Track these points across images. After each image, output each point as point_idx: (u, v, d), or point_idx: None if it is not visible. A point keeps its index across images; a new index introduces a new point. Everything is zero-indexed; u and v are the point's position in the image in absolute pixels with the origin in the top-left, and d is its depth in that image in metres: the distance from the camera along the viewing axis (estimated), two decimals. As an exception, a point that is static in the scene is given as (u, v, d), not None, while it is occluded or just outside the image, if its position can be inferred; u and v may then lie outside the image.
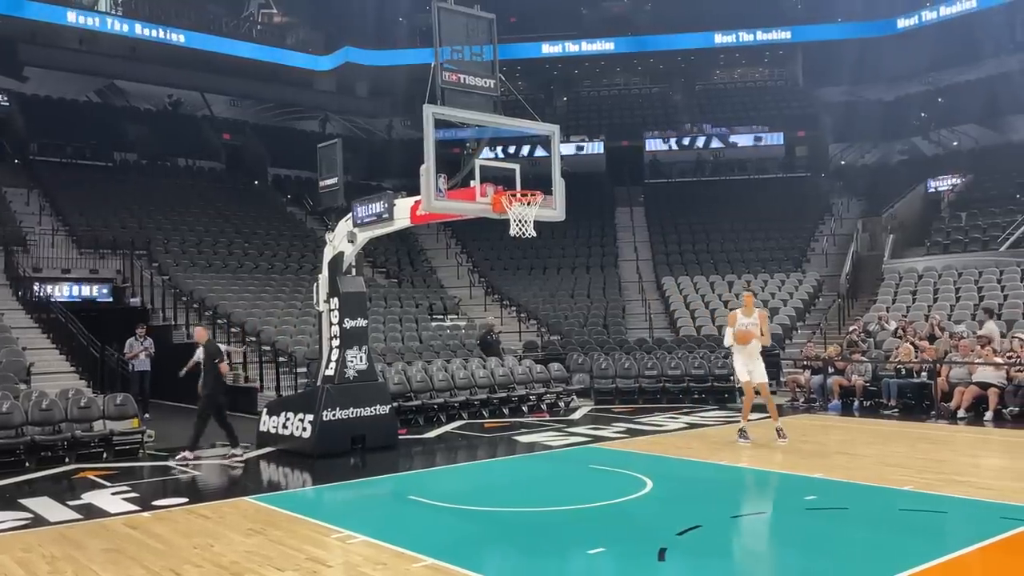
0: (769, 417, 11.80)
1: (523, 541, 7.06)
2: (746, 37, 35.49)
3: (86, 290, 20.88)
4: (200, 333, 12.53)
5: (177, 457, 11.30)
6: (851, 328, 18.32)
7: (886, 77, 34.52)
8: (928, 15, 32.09)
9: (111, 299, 21.07)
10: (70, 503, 8.73)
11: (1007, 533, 6.68)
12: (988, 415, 13.41)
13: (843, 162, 35.21)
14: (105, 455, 11.51)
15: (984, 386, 13.69)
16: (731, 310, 13.94)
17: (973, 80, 32.14)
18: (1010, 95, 29.29)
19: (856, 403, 15.23)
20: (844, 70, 33.99)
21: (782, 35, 35.49)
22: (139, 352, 16.42)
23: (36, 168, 26.69)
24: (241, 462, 11.23)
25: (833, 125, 34.67)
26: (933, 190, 28.85)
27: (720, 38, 35.53)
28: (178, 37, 31.34)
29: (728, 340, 12.00)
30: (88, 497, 9.03)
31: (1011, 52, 31.32)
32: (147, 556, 6.67)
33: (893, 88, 34.83)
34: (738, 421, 12.12)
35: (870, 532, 6.95)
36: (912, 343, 15.68)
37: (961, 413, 13.66)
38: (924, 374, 14.84)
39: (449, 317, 22.47)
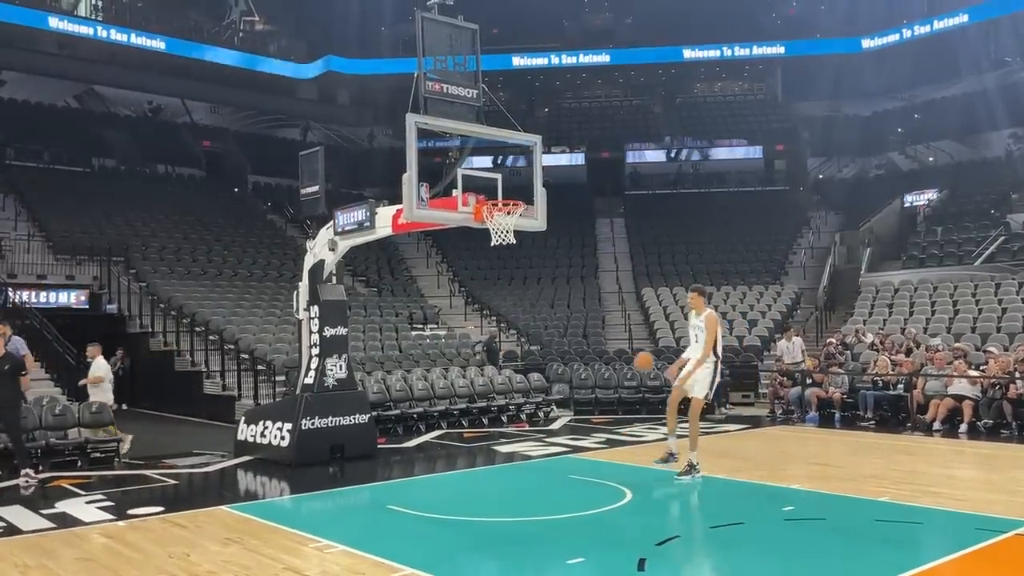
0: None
1: (502, 551, 7.05)
2: (726, 52, 35.77)
3: (62, 297, 20.63)
4: None
5: (21, 476, 10.21)
6: (828, 340, 18.48)
7: (864, 93, 34.96)
8: (905, 33, 32.53)
9: (88, 306, 20.84)
10: (43, 512, 8.60)
11: (981, 544, 6.76)
12: (963, 427, 13.58)
13: (821, 176, 35.58)
14: (80, 463, 11.37)
15: (959, 399, 13.87)
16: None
17: (949, 97, 32.65)
18: (985, 112, 29.68)
19: (835, 415, 15.34)
20: (823, 85, 34.41)
21: (761, 50, 35.81)
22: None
23: (12, 173, 26.33)
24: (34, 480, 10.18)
25: (811, 139, 35.04)
26: (909, 205, 29.20)
27: (700, 52, 35.81)
28: (159, 43, 31.13)
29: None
30: (62, 506, 8.90)
31: (986, 70, 31.81)
32: (122, 566, 6.59)
33: (871, 104, 35.29)
34: (716, 432, 12.12)
35: (847, 542, 7.01)
36: (889, 358, 15.84)
37: (936, 425, 13.83)
38: (900, 386, 14.99)
39: (429, 326, 22.42)
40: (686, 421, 9.49)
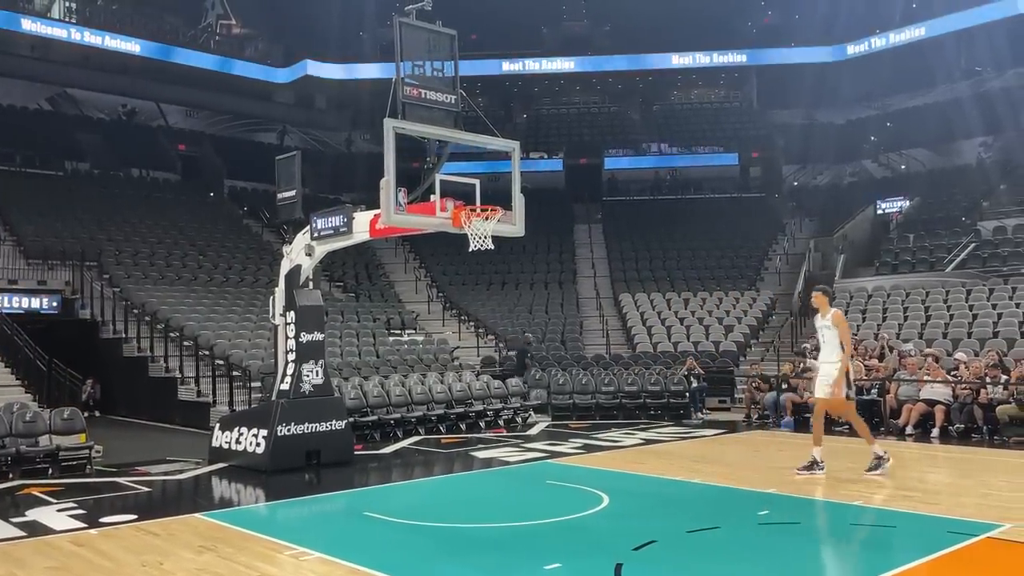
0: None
1: (480, 557, 7.04)
2: (702, 59, 36.06)
3: (34, 302, 20.34)
4: None
5: None
6: (803, 346, 18.62)
7: (838, 101, 35.35)
8: (878, 42, 32.95)
9: (60, 311, 20.57)
10: (13, 520, 8.47)
11: (953, 547, 6.85)
12: (935, 432, 13.75)
13: (796, 183, 35.92)
14: (51, 471, 11.21)
15: (931, 403, 14.04)
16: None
17: (921, 106, 33.11)
18: (957, 121, 30.15)
19: (810, 420, 15.43)
20: (797, 93, 34.75)
21: (737, 58, 36.15)
22: None
23: (-17, 176, 26.00)
24: None
25: (786, 147, 35.36)
26: (882, 212, 29.57)
27: (677, 60, 36.03)
28: (133, 46, 30.85)
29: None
30: (32, 514, 8.78)
31: (958, 79, 32.31)
32: (93, 574, 6.51)
33: (844, 112, 35.71)
34: (692, 437, 12.16)
35: (821, 546, 7.07)
36: (863, 363, 15.99)
37: (909, 429, 14.00)
38: (874, 391, 15.14)
39: (407, 332, 22.36)
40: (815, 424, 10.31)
